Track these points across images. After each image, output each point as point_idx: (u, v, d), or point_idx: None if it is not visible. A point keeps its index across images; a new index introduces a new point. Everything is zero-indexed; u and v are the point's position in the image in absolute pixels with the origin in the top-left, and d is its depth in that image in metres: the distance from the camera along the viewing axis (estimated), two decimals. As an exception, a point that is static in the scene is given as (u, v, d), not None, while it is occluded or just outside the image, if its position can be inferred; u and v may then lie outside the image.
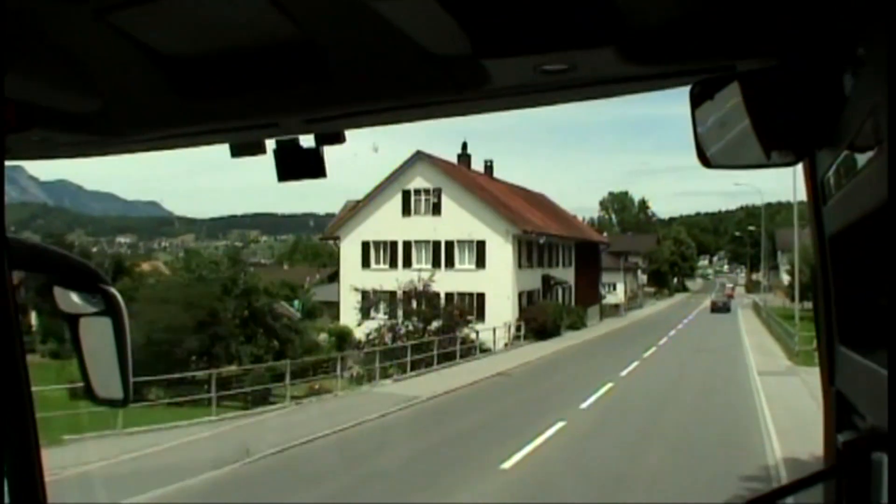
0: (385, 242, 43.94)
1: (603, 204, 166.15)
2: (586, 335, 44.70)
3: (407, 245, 43.35)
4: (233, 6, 1.11)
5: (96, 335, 1.50)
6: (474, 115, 1.56)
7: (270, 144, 1.67)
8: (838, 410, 1.29)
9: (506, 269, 41.01)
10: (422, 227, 42.07)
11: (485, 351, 35.34)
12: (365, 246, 44.29)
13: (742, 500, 12.22)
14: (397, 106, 1.46)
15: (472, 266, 41.94)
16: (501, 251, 41.08)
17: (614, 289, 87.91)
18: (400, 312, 35.47)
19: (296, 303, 45.61)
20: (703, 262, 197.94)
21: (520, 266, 42.49)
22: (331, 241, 47.84)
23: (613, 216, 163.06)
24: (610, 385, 24.10)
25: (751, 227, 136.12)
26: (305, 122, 1.54)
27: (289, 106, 1.44)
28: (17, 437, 1.03)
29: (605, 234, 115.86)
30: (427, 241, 42.84)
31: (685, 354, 33.99)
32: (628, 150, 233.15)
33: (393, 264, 42.47)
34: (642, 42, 1.14)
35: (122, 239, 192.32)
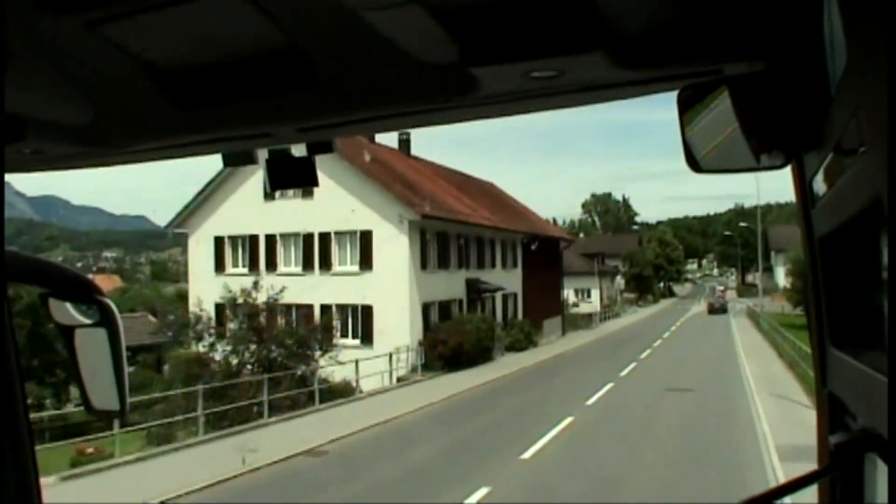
0: (242, 238, 31.55)
1: (585, 206, 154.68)
2: (527, 360, 32.39)
3: (270, 240, 30.95)
4: (224, 17, 1.09)
5: (92, 346, 1.50)
6: (464, 122, 1.55)
7: (262, 154, 1.67)
8: (831, 412, 1.30)
9: (399, 269, 28.61)
10: (289, 216, 29.73)
11: (343, 394, 22.79)
12: (219, 243, 31.87)
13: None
14: (388, 114, 1.45)
15: (356, 267, 29.56)
16: (393, 245, 28.68)
17: (588, 296, 75.62)
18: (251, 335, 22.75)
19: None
20: (692, 265, 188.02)
21: (424, 266, 30.12)
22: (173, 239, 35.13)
23: (597, 219, 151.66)
24: (486, 490, 11.83)
25: (742, 224, 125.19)
26: (297, 131, 1.52)
27: (281, 116, 1.42)
28: (12, 442, 1.07)
29: (580, 236, 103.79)
30: (296, 235, 30.46)
31: (651, 396, 21.55)
32: (615, 155, 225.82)
33: (253, 267, 30.10)
34: (630, 47, 1.14)
35: (108, 254, 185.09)
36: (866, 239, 0.96)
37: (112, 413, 1.58)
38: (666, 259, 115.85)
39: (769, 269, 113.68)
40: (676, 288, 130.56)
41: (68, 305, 1.47)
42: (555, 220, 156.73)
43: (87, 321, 1.48)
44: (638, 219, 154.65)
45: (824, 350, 1.29)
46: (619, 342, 43.12)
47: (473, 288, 34.13)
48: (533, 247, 41.85)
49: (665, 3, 1.08)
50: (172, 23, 1.10)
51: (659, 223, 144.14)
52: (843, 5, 0.87)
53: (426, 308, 29.80)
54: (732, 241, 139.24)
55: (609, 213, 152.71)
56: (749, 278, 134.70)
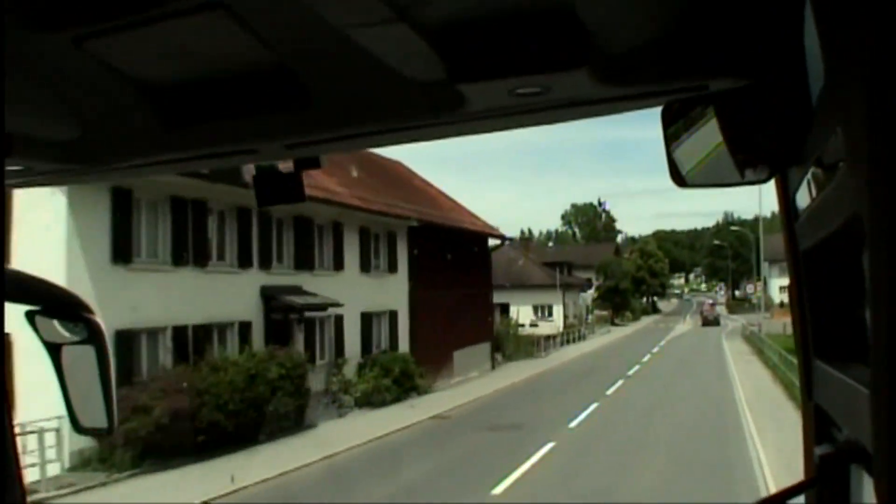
0: None
1: (565, 217, 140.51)
2: (369, 428, 17.76)
3: None
4: (212, 35, 1.09)
5: (79, 364, 1.49)
6: (450, 138, 1.57)
7: (249, 169, 1.66)
8: (816, 424, 1.31)
9: (51, 263, 13.53)
10: None
11: None
12: None
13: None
14: (376, 131, 1.45)
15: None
16: (41, 215, 13.69)
17: (549, 314, 61.19)
18: None
19: None
20: (679, 280, 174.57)
21: (121, 258, 15.32)
22: None
23: (577, 230, 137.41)
24: None
25: (734, 227, 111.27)
26: (285, 147, 1.50)
27: (269, 133, 1.41)
28: None
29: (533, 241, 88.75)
30: None
31: None
32: (603, 171, 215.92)
33: None
34: (615, 64, 1.15)
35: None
36: (848, 253, 0.97)
37: (100, 430, 1.59)
38: (648, 271, 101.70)
39: (763, 282, 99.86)
40: (661, 304, 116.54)
41: (55, 322, 1.48)
42: (529, 231, 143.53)
43: (75, 338, 1.48)
44: (624, 231, 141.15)
45: (809, 362, 1.29)
46: (562, 383, 28.70)
47: (276, 302, 19.26)
48: (420, 248, 27.00)
49: (650, 20, 1.09)
50: (160, 40, 1.10)
51: (642, 237, 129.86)
52: (820, 23, 0.89)
53: (125, 340, 14.89)
54: (722, 252, 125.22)
55: (590, 224, 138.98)
56: (738, 293, 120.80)
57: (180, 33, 1.07)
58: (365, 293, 23.76)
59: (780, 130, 1.20)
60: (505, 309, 59.59)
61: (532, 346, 45.02)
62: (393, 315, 26.13)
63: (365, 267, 24.68)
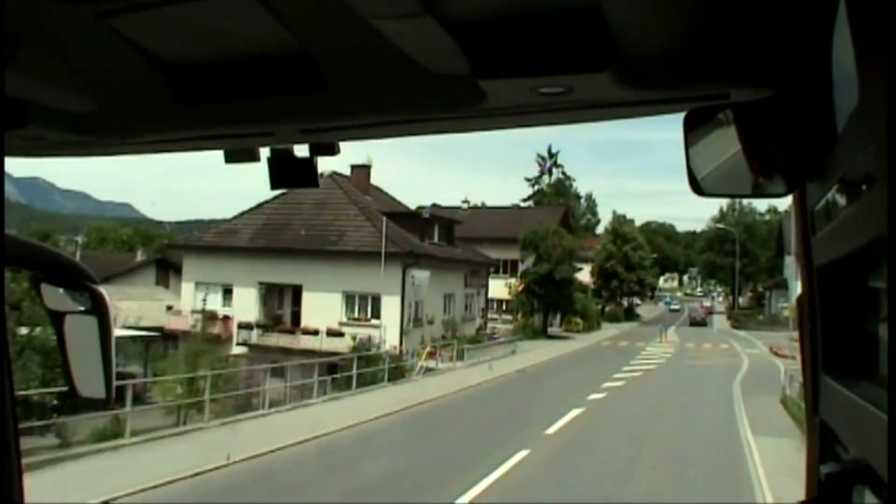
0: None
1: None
2: None
3: None
4: (235, 16, 1.08)
5: (81, 333, 1.49)
6: (468, 132, 1.54)
7: (264, 152, 1.64)
8: (822, 441, 1.28)
9: None
10: None
11: None
12: None
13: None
14: (392, 120, 1.42)
15: None
16: None
17: (374, 312, 29.46)
18: None
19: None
20: (671, 283, 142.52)
21: None
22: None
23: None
24: None
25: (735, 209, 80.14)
26: (300, 132, 1.49)
27: (284, 116, 1.39)
28: None
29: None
30: None
31: None
32: (602, 172, 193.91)
33: None
34: (638, 68, 1.13)
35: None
36: (866, 273, 0.95)
37: (97, 401, 1.57)
38: (624, 263, 69.56)
39: (782, 286, 66.65)
40: (643, 308, 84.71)
41: (60, 291, 1.45)
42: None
43: (79, 308, 1.46)
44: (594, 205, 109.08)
45: (817, 378, 1.26)
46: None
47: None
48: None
49: (675, 26, 1.08)
50: (183, 18, 1.09)
51: (616, 215, 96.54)
52: (857, 41, 0.86)
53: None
54: (724, 244, 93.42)
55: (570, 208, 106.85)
56: (742, 299, 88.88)
57: (204, 13, 1.06)
58: None
59: (802, 143, 1.16)
60: (297, 296, 28.27)
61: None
62: None
63: None
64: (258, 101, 1.31)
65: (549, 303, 45.36)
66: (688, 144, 1.27)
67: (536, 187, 78.62)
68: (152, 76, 1.24)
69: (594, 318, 55.84)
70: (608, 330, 55.43)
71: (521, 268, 45.71)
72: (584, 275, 69.35)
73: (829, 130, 1.04)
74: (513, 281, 46.13)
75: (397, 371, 24.28)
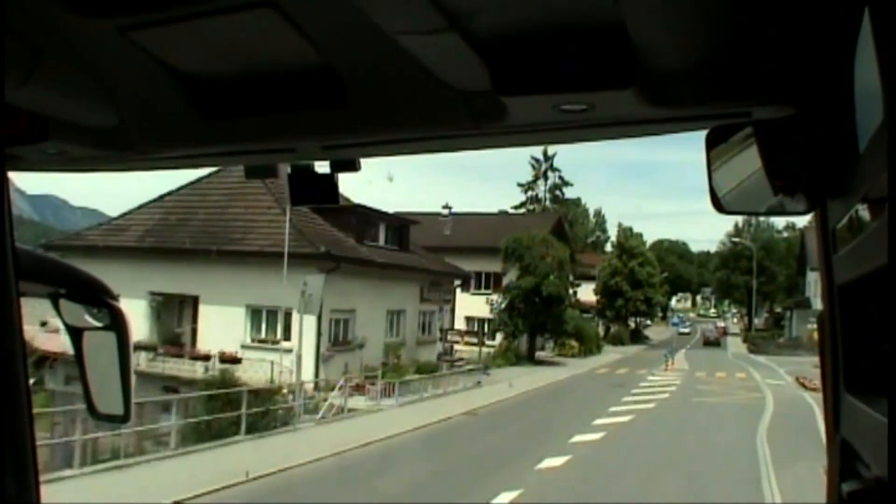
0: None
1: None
2: None
3: None
4: (259, 32, 1.08)
5: (100, 349, 1.48)
6: (489, 149, 1.53)
7: (284, 168, 1.64)
8: (843, 459, 1.26)
9: None
10: None
11: None
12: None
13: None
14: (414, 137, 1.41)
15: None
16: None
17: (284, 330, 22.79)
18: None
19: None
20: (685, 303, 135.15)
21: None
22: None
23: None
24: None
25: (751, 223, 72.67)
26: (322, 148, 1.47)
27: (307, 132, 1.38)
28: (13, 440, 1.08)
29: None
30: None
31: None
32: (619, 192, 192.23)
33: None
34: (661, 86, 1.14)
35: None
36: (888, 291, 0.96)
37: (116, 417, 1.55)
38: (630, 281, 62.73)
39: (803, 306, 59.98)
40: (652, 330, 77.62)
41: (79, 307, 1.45)
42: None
43: (97, 324, 1.45)
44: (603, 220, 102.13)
45: (838, 395, 1.25)
46: None
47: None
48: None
49: (698, 44, 1.08)
50: (205, 33, 1.08)
51: (622, 227, 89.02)
52: (881, 58, 0.86)
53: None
54: (739, 261, 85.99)
55: (578, 223, 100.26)
56: (758, 321, 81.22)
57: (227, 29, 1.06)
58: None
59: (823, 162, 1.16)
60: (195, 309, 22.14)
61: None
62: None
63: None
64: (281, 117, 1.28)
65: (535, 323, 38.49)
66: (709, 162, 1.26)
67: (530, 193, 71.33)
68: (174, 91, 1.23)
69: (593, 341, 48.77)
70: (609, 354, 48.49)
71: (506, 280, 38.93)
72: (588, 293, 62.71)
73: (851, 148, 1.03)
74: (496, 297, 39.34)
75: (272, 416, 17.31)
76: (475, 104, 1.19)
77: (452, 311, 33.24)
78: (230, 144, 1.46)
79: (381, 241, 27.16)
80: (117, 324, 1.45)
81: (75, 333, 1.47)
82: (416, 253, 29.81)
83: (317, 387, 21.31)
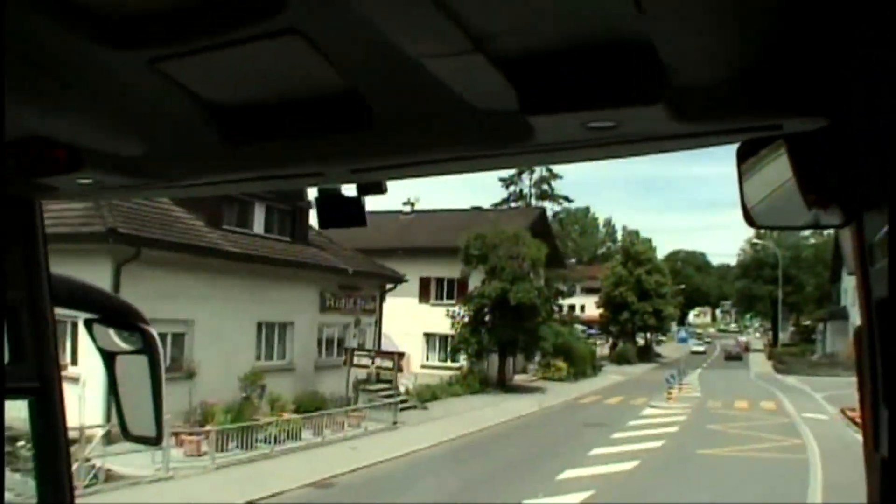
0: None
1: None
2: None
3: None
4: (285, 59, 1.09)
5: (132, 373, 1.50)
6: (517, 168, 1.59)
7: (311, 192, 1.65)
8: (882, 478, 1.23)
9: None
10: None
11: None
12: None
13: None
14: (442, 158, 1.40)
15: None
16: None
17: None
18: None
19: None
20: (704, 318, 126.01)
21: None
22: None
23: (570, 243, 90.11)
24: None
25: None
26: (350, 172, 1.49)
27: (335, 156, 1.40)
28: (51, 451, 1.13)
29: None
30: None
31: None
32: (636, 207, 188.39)
33: None
34: (689, 101, 1.12)
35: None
36: None
37: (149, 439, 1.58)
38: (635, 289, 54.56)
39: (839, 316, 51.49)
40: (666, 347, 69.21)
41: (111, 331, 1.48)
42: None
43: (129, 347, 1.49)
44: (613, 230, 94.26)
45: (877, 412, 1.22)
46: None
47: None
48: None
49: (727, 57, 1.07)
50: (233, 63, 1.10)
51: (627, 230, 79.79)
52: None
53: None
54: (762, 269, 77.06)
55: (587, 234, 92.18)
56: (783, 335, 72.21)
57: (253, 57, 1.07)
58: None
59: (858, 174, 1.14)
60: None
61: None
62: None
63: None
64: (308, 142, 1.29)
65: (505, 340, 30.47)
66: (741, 175, 1.24)
67: (513, 188, 62.95)
68: (203, 119, 1.25)
69: (586, 361, 40.48)
70: (608, 376, 40.33)
71: (475, 293, 30.98)
72: (593, 308, 54.72)
73: (887, 158, 1.03)
74: (456, 309, 31.46)
75: None
76: (502, 124, 1.16)
77: (378, 324, 25.27)
78: (258, 170, 1.46)
79: (256, 229, 19.44)
80: (149, 347, 1.47)
81: (108, 357, 1.51)
82: (320, 247, 22.00)
83: (108, 436, 13.59)
